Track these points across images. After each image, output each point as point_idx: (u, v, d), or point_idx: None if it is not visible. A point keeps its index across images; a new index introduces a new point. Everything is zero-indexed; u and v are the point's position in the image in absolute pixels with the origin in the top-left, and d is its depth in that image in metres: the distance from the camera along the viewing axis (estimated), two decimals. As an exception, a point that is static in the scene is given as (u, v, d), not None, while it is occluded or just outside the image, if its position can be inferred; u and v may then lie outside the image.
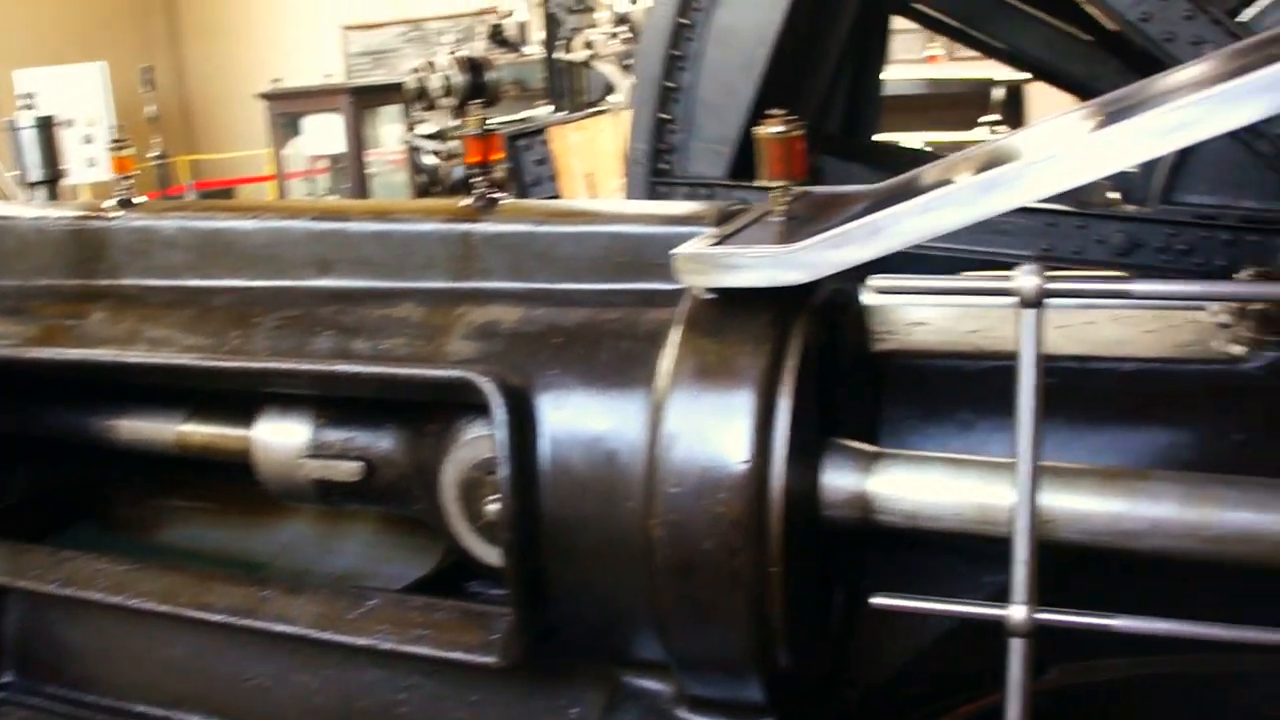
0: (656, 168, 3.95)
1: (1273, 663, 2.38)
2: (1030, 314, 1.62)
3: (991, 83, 10.56)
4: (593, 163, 6.00)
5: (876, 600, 1.85)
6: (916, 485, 2.02)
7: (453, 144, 13.83)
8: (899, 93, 8.23)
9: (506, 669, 2.16)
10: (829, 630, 2.29)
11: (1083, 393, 2.42)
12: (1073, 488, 1.93)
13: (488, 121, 2.60)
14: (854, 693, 2.43)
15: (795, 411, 1.89)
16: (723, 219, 2.20)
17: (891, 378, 2.48)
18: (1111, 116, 1.78)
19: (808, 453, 2.02)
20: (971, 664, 2.27)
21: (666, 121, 3.96)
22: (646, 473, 1.94)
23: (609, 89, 7.22)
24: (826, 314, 2.13)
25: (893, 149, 6.20)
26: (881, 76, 5.90)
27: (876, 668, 2.44)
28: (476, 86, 12.42)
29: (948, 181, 1.81)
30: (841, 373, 2.28)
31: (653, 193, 3.96)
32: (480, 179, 2.47)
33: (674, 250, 1.96)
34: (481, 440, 2.21)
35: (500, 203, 2.49)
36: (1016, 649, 1.75)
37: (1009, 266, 3.98)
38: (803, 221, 2.03)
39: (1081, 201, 4.37)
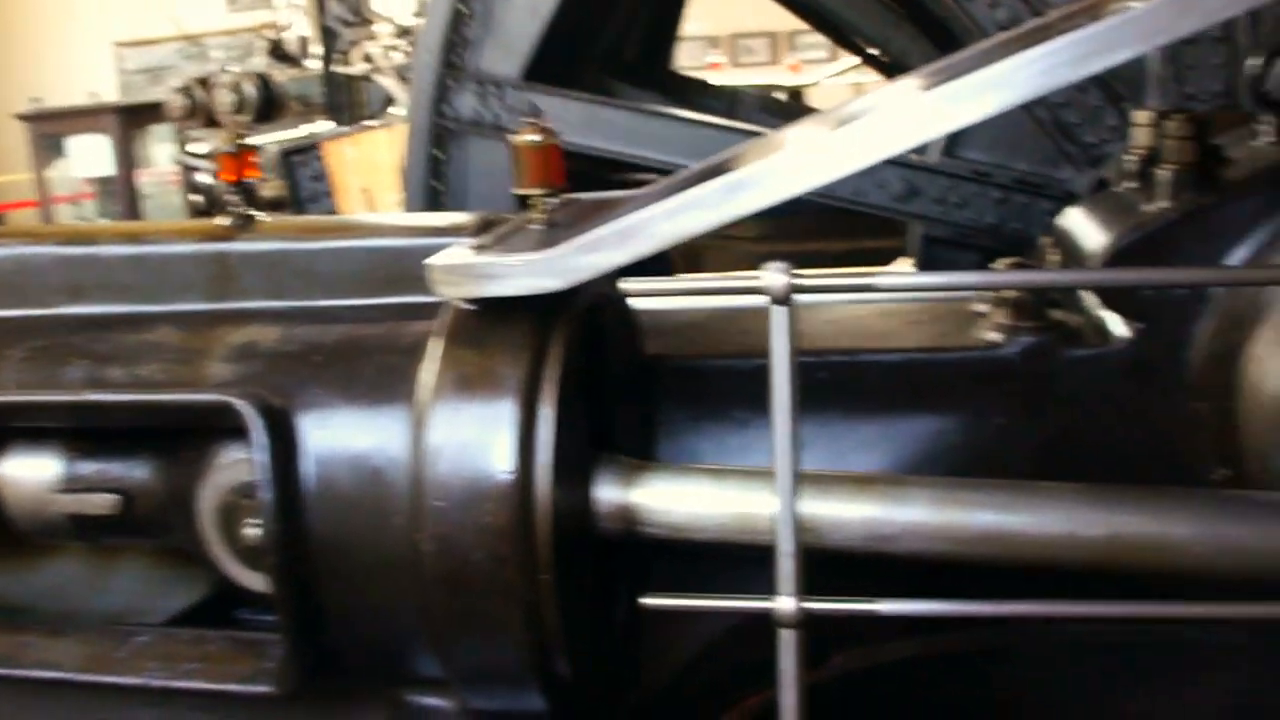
0: (448, 60, 3.88)
1: (1045, 636, 2.49)
2: (781, 311, 1.64)
3: (774, 88, 10.79)
4: (370, 177, 5.91)
5: (647, 601, 1.86)
6: (678, 497, 2.05)
7: (232, 162, 13.35)
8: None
9: (283, 697, 2.10)
10: (612, 635, 2.29)
11: (852, 385, 2.49)
12: (829, 494, 1.99)
13: (269, 137, 2.54)
14: (641, 694, 2.44)
15: (558, 419, 1.89)
16: (482, 228, 2.18)
17: (666, 380, 2.50)
18: (854, 116, 1.83)
19: (575, 461, 2.02)
20: (758, 656, 2.30)
21: (463, 14, 3.89)
22: (412, 488, 1.91)
23: (389, 102, 7.14)
24: (592, 320, 2.14)
25: (688, 81, 6.26)
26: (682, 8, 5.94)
27: (663, 668, 2.46)
28: (266, 102, 12.10)
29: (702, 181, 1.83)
30: (612, 378, 2.28)
31: (441, 91, 3.89)
32: (235, 197, 2.40)
33: (427, 261, 1.94)
34: (240, 464, 2.14)
35: (257, 220, 2.42)
36: (787, 640, 1.78)
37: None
38: (564, 228, 2.03)
39: None
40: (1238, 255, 2.38)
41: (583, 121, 3.86)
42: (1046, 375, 2.43)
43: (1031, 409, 2.44)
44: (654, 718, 2.53)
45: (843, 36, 5.80)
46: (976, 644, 2.55)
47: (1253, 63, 2.65)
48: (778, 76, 10.41)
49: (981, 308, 2.63)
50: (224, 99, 12.03)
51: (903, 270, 1.61)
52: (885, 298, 2.79)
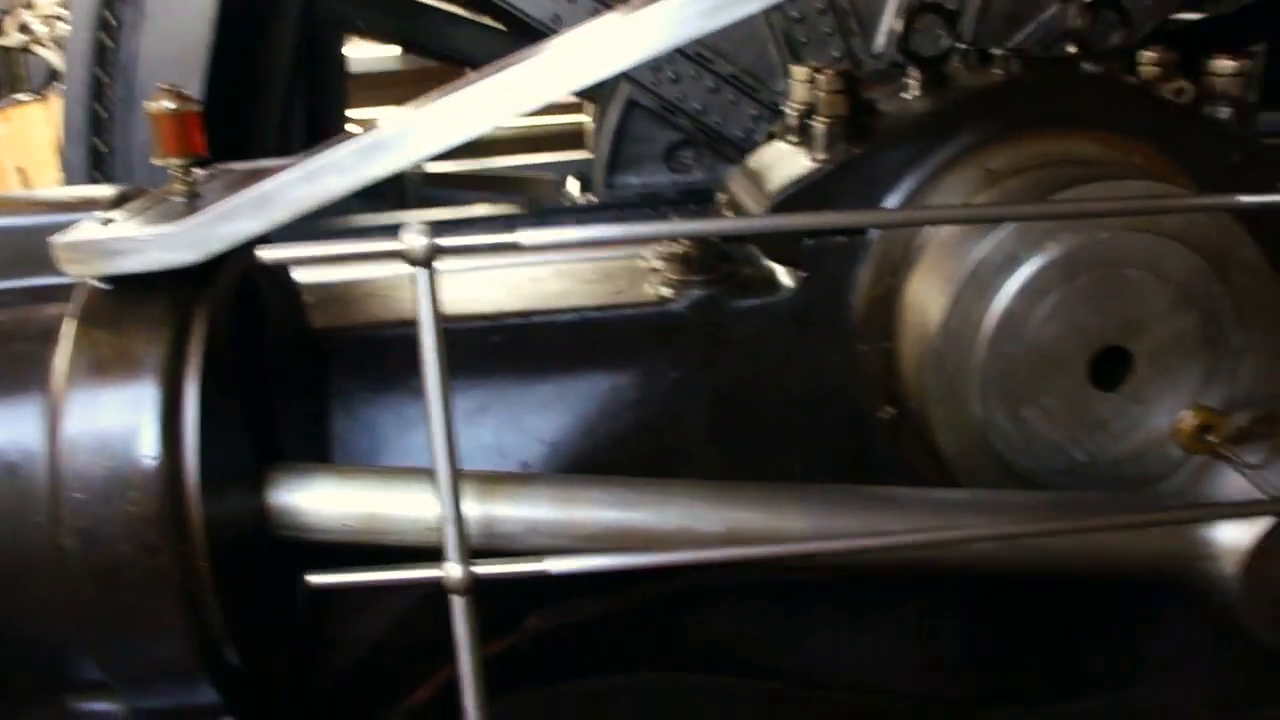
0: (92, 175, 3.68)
1: (724, 581, 2.55)
2: (424, 275, 1.60)
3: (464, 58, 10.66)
4: (25, 156, 5.55)
5: (313, 580, 1.79)
6: (331, 499, 2.03)
7: None
8: (371, 70, 8.11)
9: None
10: (293, 618, 2.22)
11: (528, 346, 2.48)
12: (480, 494, 1.99)
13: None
14: (330, 675, 2.38)
15: (205, 399, 1.80)
16: (119, 202, 2.06)
17: (338, 351, 2.43)
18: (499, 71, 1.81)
19: (231, 442, 1.94)
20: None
21: (102, 120, 3.69)
22: (50, 482, 1.79)
23: (54, 75, 6.68)
24: (245, 293, 2.05)
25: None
26: (346, 112, 5.81)
27: (352, 647, 2.41)
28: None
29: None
30: (275, 351, 2.20)
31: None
32: None
33: (52, 239, 1.81)
34: None
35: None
36: (459, 606, 1.75)
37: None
38: (209, 200, 1.93)
39: (533, 199, 4.55)
40: (891, 202, 2.48)
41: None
42: (717, 327, 2.48)
43: (704, 361, 2.49)
44: (349, 698, 2.47)
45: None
46: (667, 593, 2.59)
47: (897, 21, 2.77)
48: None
49: (656, 264, 2.66)
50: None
51: (550, 229, 1.59)
52: (563, 257, 2.79)
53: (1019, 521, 2.13)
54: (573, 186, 5.16)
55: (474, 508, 1.95)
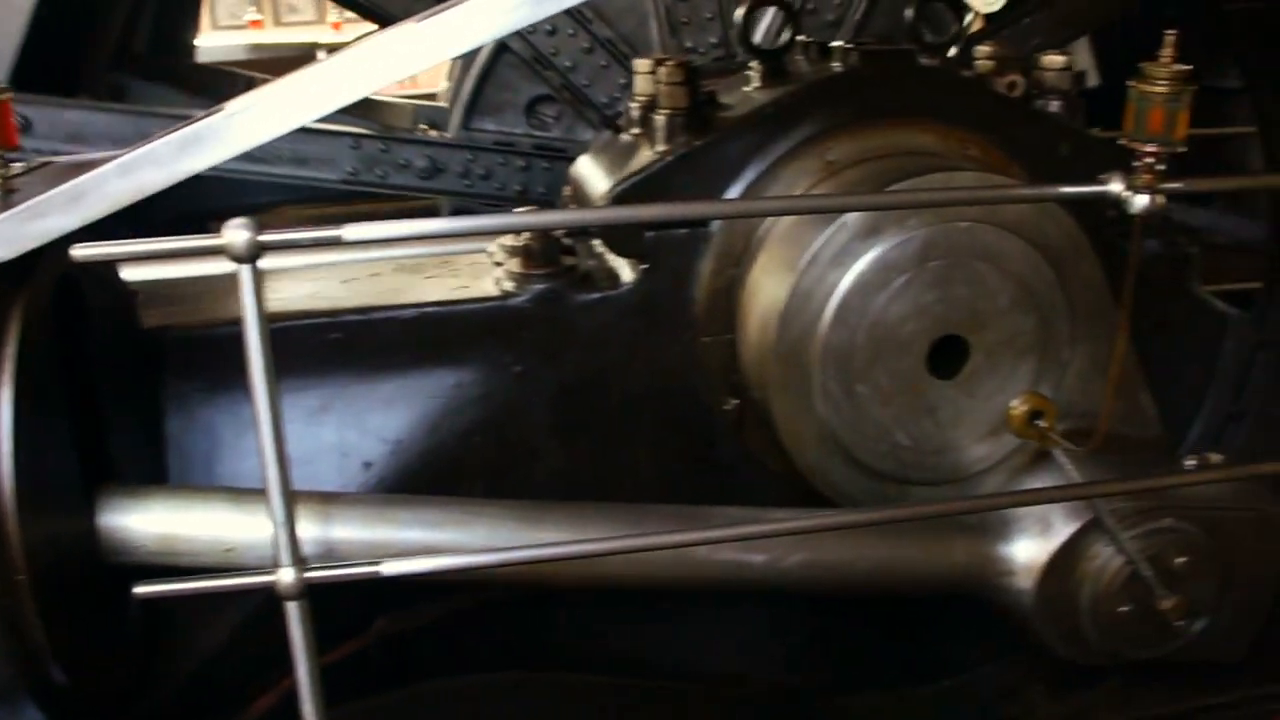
0: None
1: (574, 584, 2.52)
2: (248, 271, 1.54)
3: (315, 47, 10.46)
4: None
5: (139, 590, 1.72)
6: (147, 521, 2.00)
7: None
8: (221, 60, 7.90)
9: None
10: (129, 633, 2.14)
11: (369, 343, 2.43)
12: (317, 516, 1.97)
13: None
14: (169, 686, 2.31)
15: (19, 406, 1.71)
16: None
17: (172, 351, 2.35)
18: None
19: (53, 449, 1.86)
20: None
21: None
22: None
23: None
24: (66, 293, 1.97)
25: (206, 70, 5.91)
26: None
27: (191, 658, 2.34)
28: None
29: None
30: (104, 354, 2.12)
31: None
32: None
33: None
34: None
35: None
36: (293, 611, 1.69)
37: (334, 193, 3.96)
38: (26, 195, 1.84)
39: (388, 127, 4.45)
40: (732, 193, 2.48)
41: (80, 130, 3.63)
42: (560, 320, 2.46)
43: (547, 355, 2.47)
44: (189, 709, 2.39)
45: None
46: (513, 593, 2.57)
47: (740, 12, 2.78)
48: (318, 35, 10.07)
49: (500, 256, 2.63)
50: None
51: (378, 224, 1.54)
52: (402, 252, 2.75)
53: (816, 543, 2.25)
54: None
55: (306, 528, 1.92)
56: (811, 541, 2.24)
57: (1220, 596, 2.40)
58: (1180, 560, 2.31)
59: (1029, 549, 2.32)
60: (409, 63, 1.59)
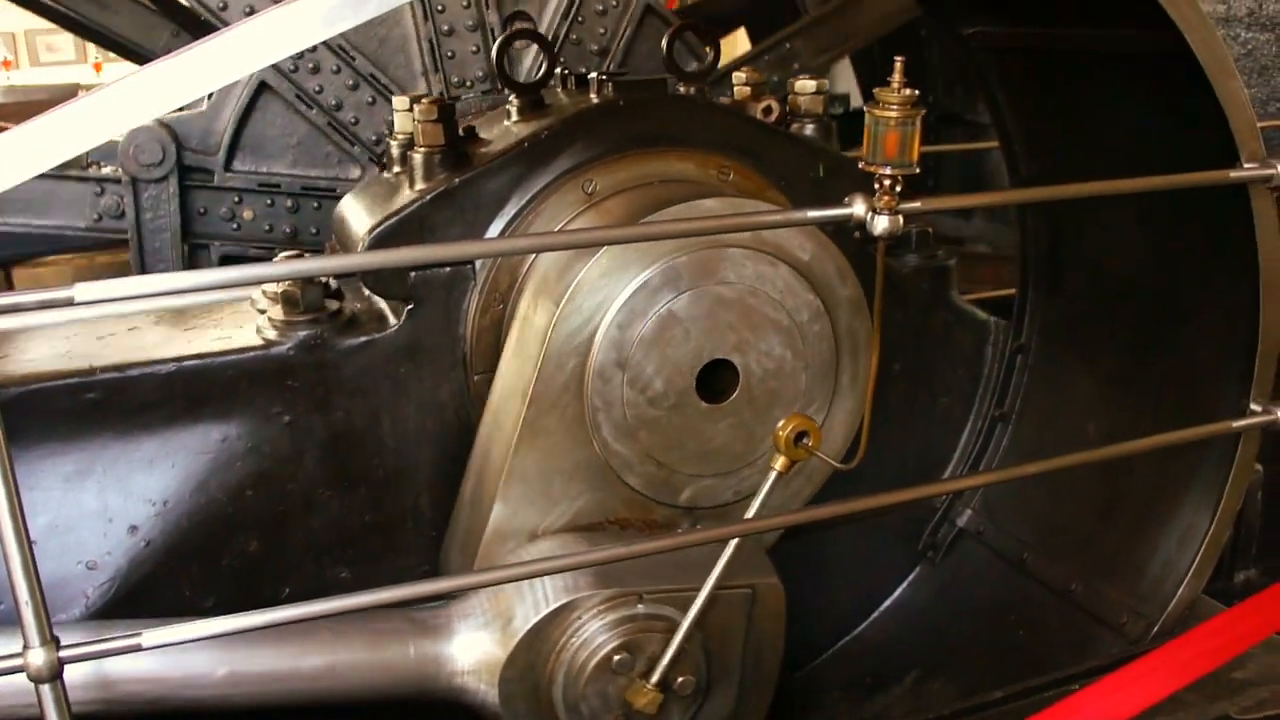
0: None
1: None
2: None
3: (78, 88, 10.13)
4: None
5: None
6: None
7: None
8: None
9: None
10: None
11: (127, 402, 2.33)
12: None
13: None
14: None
15: None
16: None
17: None
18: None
19: None
20: None
21: None
22: None
23: None
24: None
25: None
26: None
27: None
28: None
29: None
30: None
31: None
32: None
33: None
34: None
35: None
36: (47, 696, 1.59)
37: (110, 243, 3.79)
38: None
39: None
40: (495, 228, 2.47)
41: None
42: (326, 366, 2.41)
43: (316, 402, 2.41)
44: None
45: (98, 37, 5.30)
46: None
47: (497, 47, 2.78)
48: (78, 75, 9.73)
49: (263, 303, 2.56)
50: None
51: (112, 281, 1.45)
52: (157, 305, 2.66)
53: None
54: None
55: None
56: (241, 651, 2.14)
57: (717, 676, 2.34)
58: (657, 646, 2.23)
59: (484, 645, 2.23)
60: (163, 101, 1.51)
